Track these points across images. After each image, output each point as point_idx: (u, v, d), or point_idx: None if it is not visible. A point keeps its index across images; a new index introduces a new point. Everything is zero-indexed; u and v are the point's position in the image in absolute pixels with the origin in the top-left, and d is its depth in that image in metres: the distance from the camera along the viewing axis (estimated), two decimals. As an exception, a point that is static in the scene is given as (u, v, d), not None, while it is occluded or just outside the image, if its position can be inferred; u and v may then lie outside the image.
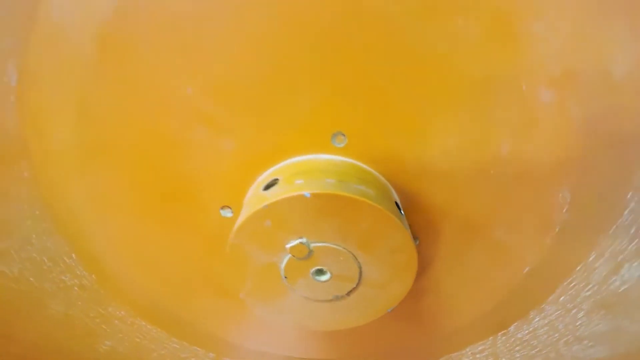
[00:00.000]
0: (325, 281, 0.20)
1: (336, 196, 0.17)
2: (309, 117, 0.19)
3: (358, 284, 0.20)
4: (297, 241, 0.18)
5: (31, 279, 0.28)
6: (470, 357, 0.31)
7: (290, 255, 0.19)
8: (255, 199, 0.19)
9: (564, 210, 0.22)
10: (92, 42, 0.18)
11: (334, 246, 0.18)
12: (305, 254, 0.18)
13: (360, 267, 0.19)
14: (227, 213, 0.23)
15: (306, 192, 0.17)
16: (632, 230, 0.22)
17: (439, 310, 0.27)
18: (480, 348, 0.30)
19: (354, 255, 0.19)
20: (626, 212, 0.22)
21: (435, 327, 0.28)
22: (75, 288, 0.28)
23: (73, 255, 0.27)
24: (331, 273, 0.19)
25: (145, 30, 0.18)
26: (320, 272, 0.19)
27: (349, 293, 0.20)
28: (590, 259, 0.24)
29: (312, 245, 0.18)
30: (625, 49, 0.18)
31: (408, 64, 0.18)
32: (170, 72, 0.19)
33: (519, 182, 0.21)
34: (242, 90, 0.19)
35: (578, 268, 0.25)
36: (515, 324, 0.29)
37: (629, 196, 0.21)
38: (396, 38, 0.18)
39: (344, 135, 0.20)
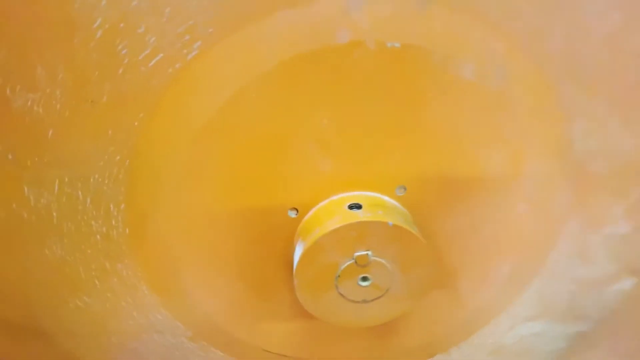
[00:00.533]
0: (364, 287, 0.26)
1: (406, 231, 0.24)
2: (385, 166, 0.27)
3: (383, 295, 0.27)
4: (365, 252, 0.25)
5: (54, 213, 0.27)
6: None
7: (353, 260, 0.25)
8: (345, 214, 0.25)
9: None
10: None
11: (385, 262, 0.26)
12: (364, 263, 0.25)
13: (391, 283, 0.27)
14: (292, 214, 0.28)
15: (390, 222, 0.24)
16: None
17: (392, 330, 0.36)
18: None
19: (393, 273, 0.26)
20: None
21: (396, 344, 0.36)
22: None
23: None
24: (371, 281, 0.26)
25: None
26: (365, 279, 0.26)
27: (373, 300, 0.27)
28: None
29: (372, 258, 0.25)
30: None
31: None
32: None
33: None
34: (354, 133, 0.26)
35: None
36: (438, 355, 0.39)
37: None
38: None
39: (404, 188, 0.28)
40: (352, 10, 0.22)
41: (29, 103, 0.23)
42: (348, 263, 0.25)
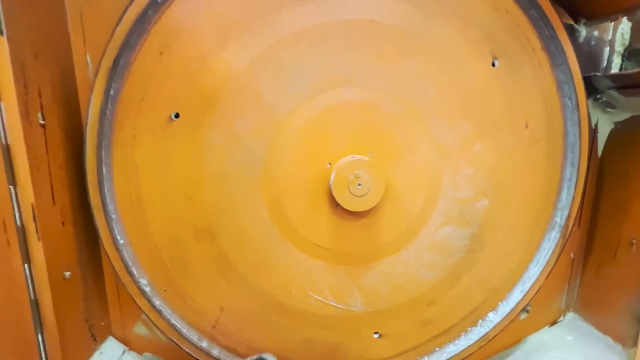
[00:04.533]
0: (359, 188, 0.66)
1: (371, 162, 0.66)
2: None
3: (367, 193, 0.66)
4: (358, 171, 0.65)
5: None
6: (384, 266, 0.74)
7: (354, 175, 0.65)
8: (349, 159, 0.67)
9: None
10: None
11: (367, 176, 0.66)
12: (359, 176, 0.66)
13: (370, 187, 0.66)
14: (328, 166, 0.69)
15: (366, 158, 0.66)
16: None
17: (375, 232, 0.73)
18: (388, 260, 0.74)
19: (370, 182, 0.66)
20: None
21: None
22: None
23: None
24: (362, 186, 0.66)
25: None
26: (359, 184, 0.66)
27: (364, 195, 0.66)
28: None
29: (361, 174, 0.66)
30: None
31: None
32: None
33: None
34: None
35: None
36: (403, 249, 0.74)
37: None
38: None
39: (372, 153, 0.70)
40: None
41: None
42: (352, 176, 0.66)
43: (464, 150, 0.72)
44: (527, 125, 0.73)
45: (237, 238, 0.70)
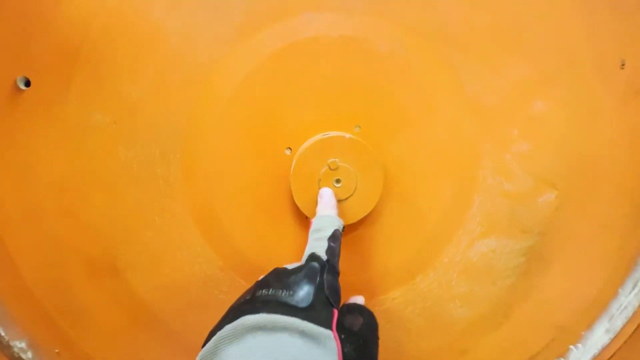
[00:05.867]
0: (338, 188, 0.39)
1: (358, 141, 0.38)
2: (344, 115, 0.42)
3: (352, 194, 0.39)
4: (334, 159, 0.38)
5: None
6: (390, 302, 0.48)
7: (327, 167, 0.38)
8: (318, 138, 0.39)
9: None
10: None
11: (349, 167, 0.38)
12: (335, 167, 0.38)
13: (357, 184, 0.39)
14: (288, 152, 0.42)
15: (347, 135, 0.38)
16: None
17: (375, 252, 0.46)
18: (396, 294, 0.48)
19: (356, 175, 0.39)
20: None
21: (369, 266, 0.46)
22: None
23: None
24: (342, 183, 0.39)
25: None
26: (338, 181, 0.39)
27: (347, 198, 0.39)
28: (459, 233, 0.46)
29: (340, 163, 0.38)
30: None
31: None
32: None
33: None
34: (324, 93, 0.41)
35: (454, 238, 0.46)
36: (419, 276, 0.47)
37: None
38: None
39: (359, 126, 0.42)
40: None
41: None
42: (324, 169, 0.38)
43: (516, 113, 0.44)
44: (623, 65, 0.43)
45: (152, 271, 0.45)
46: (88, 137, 0.41)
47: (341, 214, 0.40)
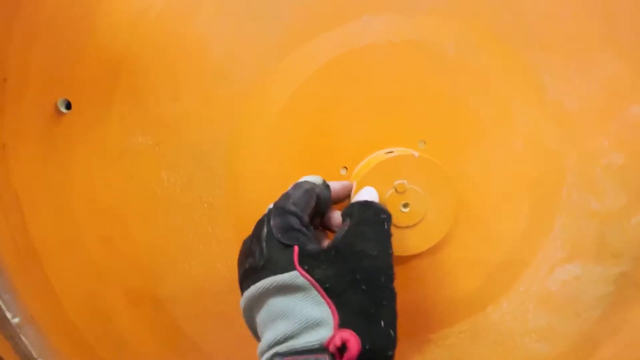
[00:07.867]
0: (406, 212, 0.34)
1: (429, 160, 0.33)
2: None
3: (422, 220, 0.34)
4: (401, 181, 0.33)
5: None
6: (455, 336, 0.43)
7: (394, 189, 0.33)
8: (381, 157, 0.34)
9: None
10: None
11: (418, 189, 0.34)
12: (403, 190, 0.33)
13: (426, 209, 0.34)
14: (343, 172, 0.38)
15: (415, 154, 0.33)
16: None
17: (441, 279, 0.40)
18: (464, 327, 0.42)
19: (426, 198, 0.34)
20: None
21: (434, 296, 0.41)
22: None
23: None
24: (410, 207, 0.34)
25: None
26: (405, 205, 0.34)
27: (415, 225, 0.34)
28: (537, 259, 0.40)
29: (408, 185, 0.33)
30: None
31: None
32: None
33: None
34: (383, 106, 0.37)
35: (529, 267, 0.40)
36: (490, 306, 0.42)
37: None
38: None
39: (424, 142, 0.37)
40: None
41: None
42: (390, 192, 0.34)
43: (608, 120, 0.38)
44: None
45: (195, 302, 0.42)
46: (129, 161, 0.38)
47: (406, 242, 0.35)
